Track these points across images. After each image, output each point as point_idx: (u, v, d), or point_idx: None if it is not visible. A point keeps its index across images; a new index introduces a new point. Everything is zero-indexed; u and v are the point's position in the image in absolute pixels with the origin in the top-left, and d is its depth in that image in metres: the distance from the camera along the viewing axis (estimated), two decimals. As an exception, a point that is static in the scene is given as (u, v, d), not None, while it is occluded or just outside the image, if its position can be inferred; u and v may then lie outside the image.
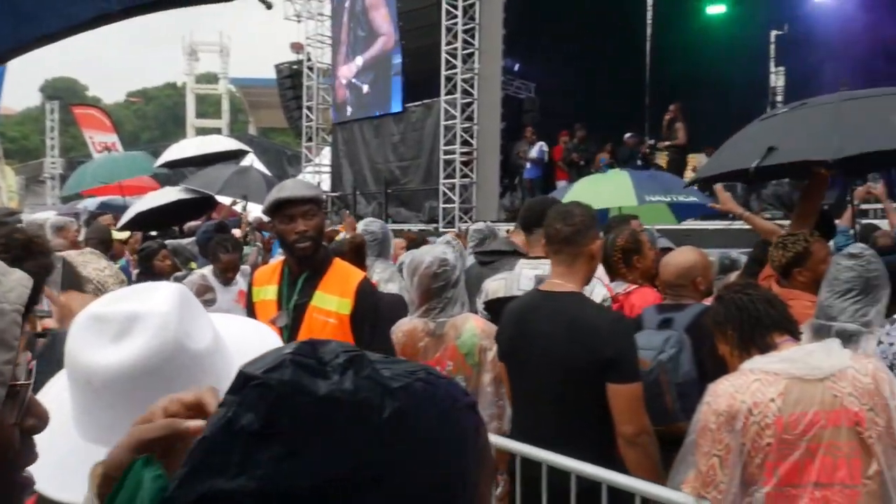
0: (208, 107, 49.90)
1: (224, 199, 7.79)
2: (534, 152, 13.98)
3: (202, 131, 45.10)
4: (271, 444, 0.58)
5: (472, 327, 2.85)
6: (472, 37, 14.63)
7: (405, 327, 2.96)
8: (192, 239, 5.88)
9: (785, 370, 1.84)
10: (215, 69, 49.50)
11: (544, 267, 2.68)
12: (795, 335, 2.02)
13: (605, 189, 6.54)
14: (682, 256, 3.00)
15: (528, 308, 2.42)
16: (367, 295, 2.67)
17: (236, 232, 6.01)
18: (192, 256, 5.42)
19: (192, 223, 7.73)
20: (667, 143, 13.05)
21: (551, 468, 2.24)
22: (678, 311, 2.81)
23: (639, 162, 13.51)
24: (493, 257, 3.70)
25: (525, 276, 2.91)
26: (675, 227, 8.21)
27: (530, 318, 2.39)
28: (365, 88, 17.23)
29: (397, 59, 16.25)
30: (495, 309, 2.80)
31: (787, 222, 3.85)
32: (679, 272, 2.93)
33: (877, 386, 1.82)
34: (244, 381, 0.60)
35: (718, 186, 4.17)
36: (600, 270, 3.50)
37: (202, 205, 7.94)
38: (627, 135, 13.92)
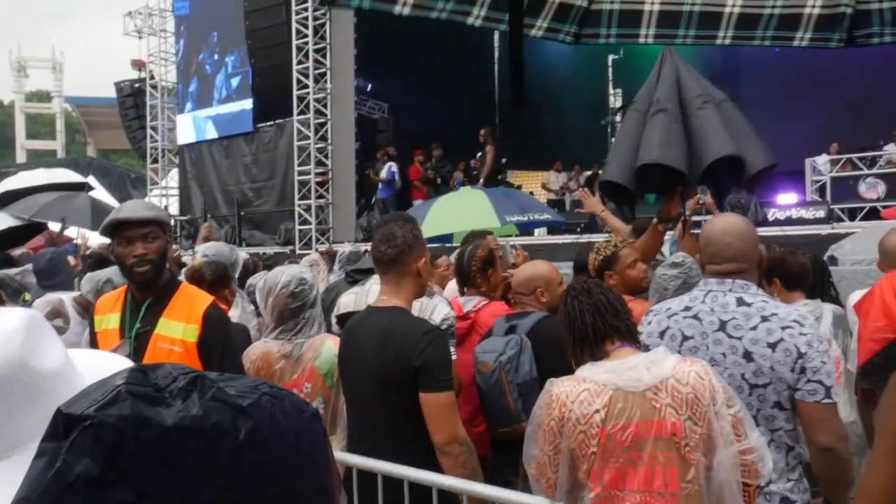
0: (41, 127, 46.66)
1: (51, 226, 7.10)
2: (384, 173, 13.77)
3: (34, 154, 42.13)
4: (116, 490, 0.51)
5: (331, 347, 2.80)
6: (324, 56, 14.43)
7: (259, 350, 2.87)
8: (23, 268, 5.34)
9: (611, 381, 1.88)
10: (48, 87, 46.37)
11: None
12: (629, 339, 2.03)
13: (466, 210, 6.54)
14: (529, 268, 3.09)
15: (356, 324, 2.44)
16: (215, 320, 2.56)
17: (73, 260, 5.60)
18: (23, 287, 4.98)
19: (19, 251, 7.10)
20: (474, 169, 13.13)
21: (384, 477, 2.26)
22: (522, 318, 2.89)
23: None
24: (362, 275, 3.70)
25: (374, 291, 2.86)
26: (530, 242, 8.40)
27: (356, 334, 2.41)
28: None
29: (248, 79, 15.85)
30: (346, 323, 2.72)
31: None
32: (521, 281, 3.02)
33: (696, 395, 1.85)
34: (70, 423, 0.53)
35: (585, 192, 4.36)
36: (450, 287, 3.51)
37: (24, 232, 7.30)
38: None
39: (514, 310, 3.07)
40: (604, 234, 10.18)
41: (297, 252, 13.28)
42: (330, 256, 5.90)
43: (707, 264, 2.27)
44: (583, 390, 1.89)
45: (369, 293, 2.95)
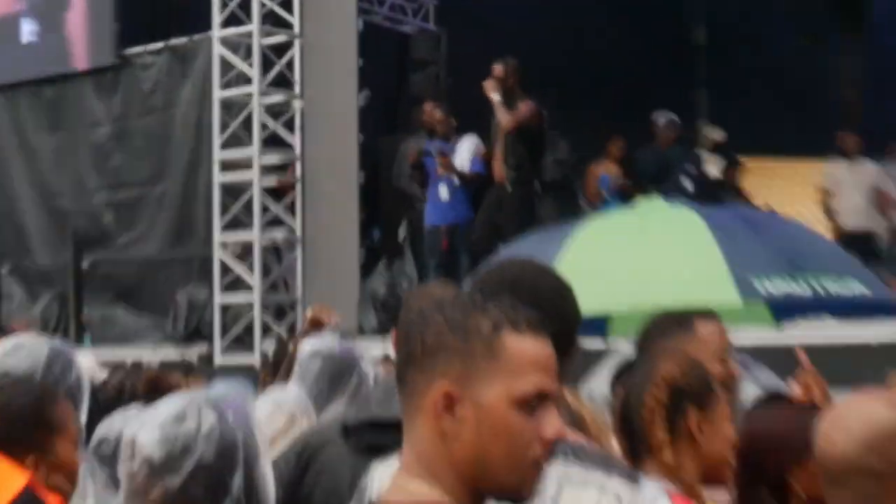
0: None
1: None
2: (462, 158, 9.09)
3: None
4: None
5: None
6: None
7: None
8: None
9: None
10: None
11: None
12: None
13: (653, 256, 4.60)
14: (862, 413, 2.00)
15: None
16: None
17: None
18: None
19: None
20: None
21: None
22: None
23: (686, 181, 9.25)
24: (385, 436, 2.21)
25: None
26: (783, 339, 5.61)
27: None
28: (27, 30, 11.89)
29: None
30: None
31: None
32: (862, 449, 1.90)
33: None
34: None
35: None
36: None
37: None
38: (659, 115, 9.61)
39: None
40: None
41: (220, 361, 9.29)
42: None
43: None
44: None
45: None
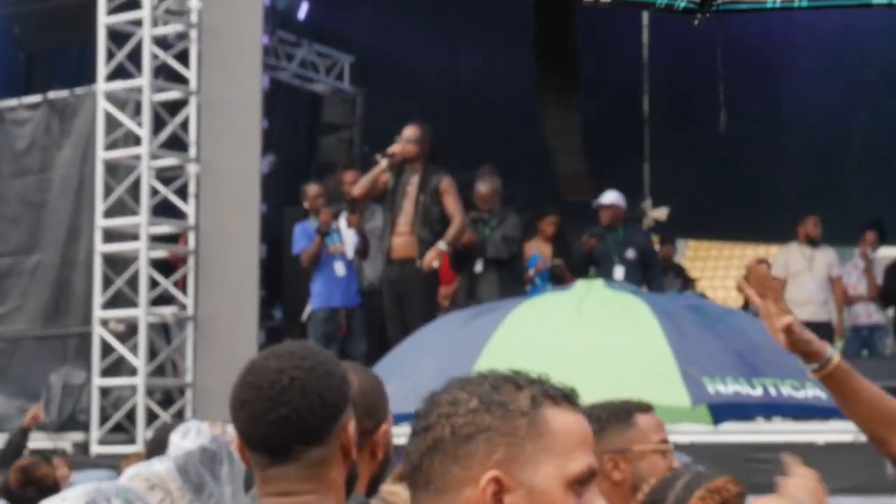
0: None
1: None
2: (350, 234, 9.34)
3: None
4: None
5: None
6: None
7: None
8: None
9: None
10: None
11: None
12: None
13: (594, 349, 4.84)
14: None
15: None
16: None
17: None
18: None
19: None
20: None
21: None
22: None
23: (619, 269, 9.20)
24: None
25: None
26: (727, 440, 6.93)
27: None
28: None
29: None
30: None
31: None
32: None
33: None
34: None
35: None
36: None
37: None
38: (609, 197, 9.36)
39: None
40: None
41: (98, 451, 9.29)
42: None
43: None
44: None
45: None
